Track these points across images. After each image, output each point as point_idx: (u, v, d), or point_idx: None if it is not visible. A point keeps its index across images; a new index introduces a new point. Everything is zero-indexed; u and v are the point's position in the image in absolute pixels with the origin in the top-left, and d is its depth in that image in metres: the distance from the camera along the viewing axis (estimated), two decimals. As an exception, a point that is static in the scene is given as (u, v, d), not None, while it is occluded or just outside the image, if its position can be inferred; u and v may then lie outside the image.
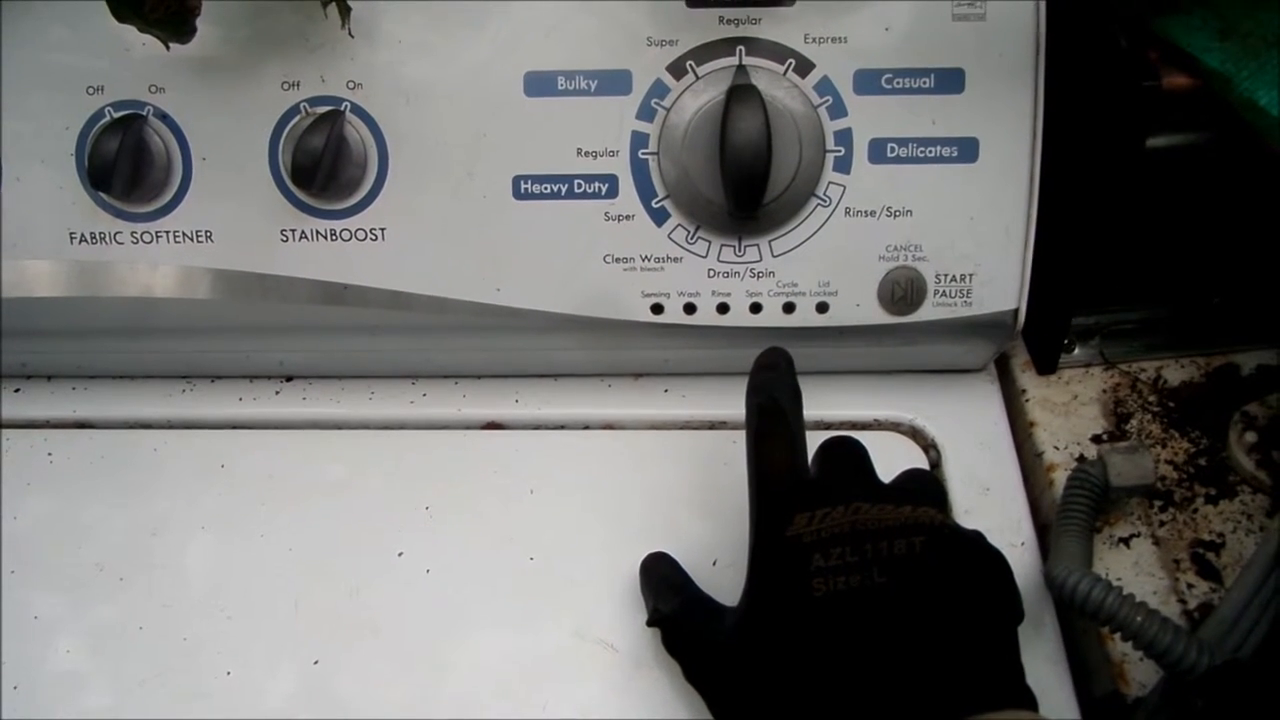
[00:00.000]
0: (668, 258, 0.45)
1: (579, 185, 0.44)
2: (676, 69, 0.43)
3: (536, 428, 0.49)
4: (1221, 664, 0.34)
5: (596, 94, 0.44)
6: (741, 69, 0.43)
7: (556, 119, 0.44)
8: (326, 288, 0.46)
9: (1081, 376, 0.49)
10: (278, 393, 0.51)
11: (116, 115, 0.45)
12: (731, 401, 0.41)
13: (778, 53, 0.43)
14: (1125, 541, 0.43)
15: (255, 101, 0.44)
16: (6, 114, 0.45)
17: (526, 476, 0.46)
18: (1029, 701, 0.32)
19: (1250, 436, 0.45)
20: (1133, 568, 0.42)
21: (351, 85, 0.44)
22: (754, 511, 0.36)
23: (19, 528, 0.46)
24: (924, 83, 0.43)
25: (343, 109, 0.44)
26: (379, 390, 0.51)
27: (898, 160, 0.43)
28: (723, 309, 0.46)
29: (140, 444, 0.49)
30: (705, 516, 0.44)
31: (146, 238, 0.46)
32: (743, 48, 0.43)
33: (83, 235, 0.46)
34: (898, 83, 0.43)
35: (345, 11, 0.41)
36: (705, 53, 0.43)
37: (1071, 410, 0.48)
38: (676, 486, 0.45)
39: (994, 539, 0.35)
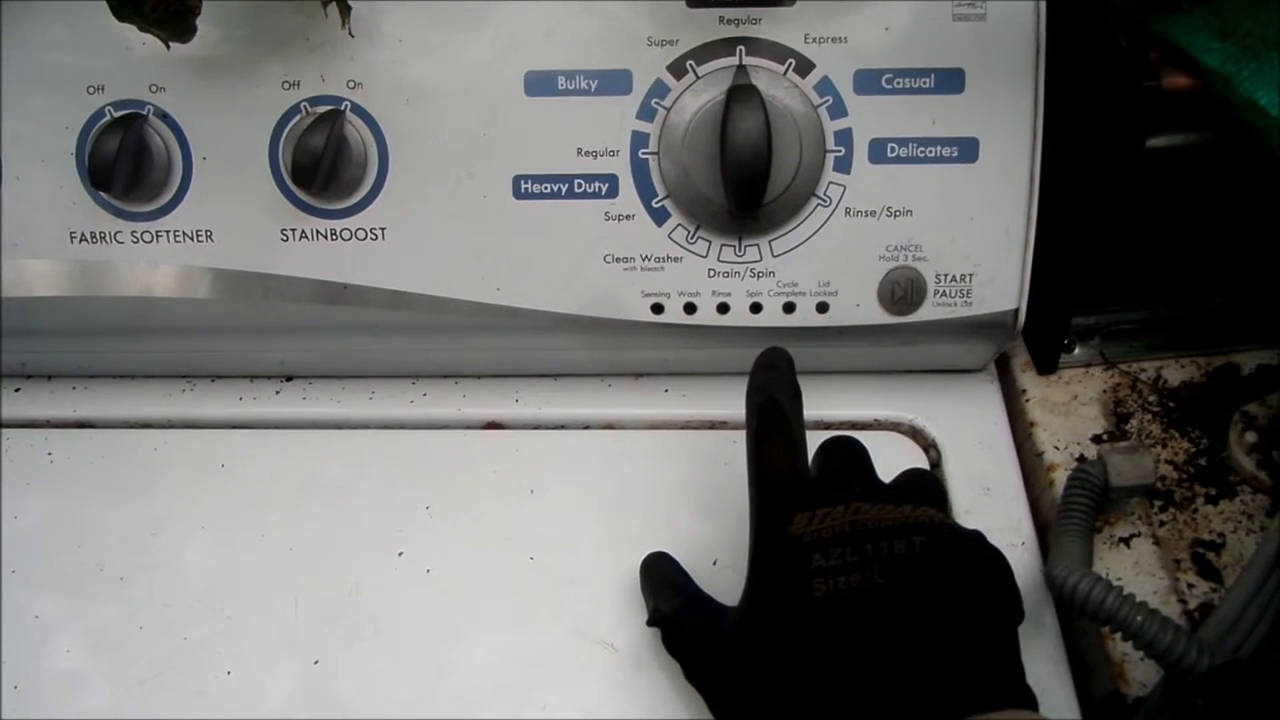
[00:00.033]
0: (668, 257, 0.45)
1: (579, 185, 0.44)
2: (677, 69, 0.43)
3: (536, 427, 0.49)
4: (1222, 664, 0.34)
5: (597, 94, 0.44)
6: (742, 69, 0.43)
7: (557, 119, 0.44)
8: (326, 287, 0.46)
9: (1081, 376, 0.49)
10: (278, 392, 0.51)
11: (117, 115, 0.45)
12: (731, 401, 0.41)
13: (778, 53, 0.43)
14: (1125, 541, 0.43)
15: (255, 101, 0.44)
16: (6, 114, 0.45)
17: (526, 476, 0.46)
18: (1029, 701, 0.32)
19: (1250, 436, 0.45)
20: (1133, 568, 0.42)
21: (352, 85, 0.44)
22: (754, 511, 0.36)
23: (19, 527, 0.46)
24: (924, 83, 0.43)
25: (343, 108, 0.44)
26: (379, 390, 0.51)
27: (898, 160, 0.43)
28: (723, 309, 0.46)
29: (140, 444, 0.49)
30: (705, 516, 0.44)
31: (146, 237, 0.46)
32: (743, 48, 0.43)
33: (83, 235, 0.46)
34: (898, 83, 0.43)
35: (345, 11, 0.41)
36: (705, 53, 0.43)
37: (1072, 410, 0.48)
38: (676, 486, 0.45)
39: (994, 539, 0.35)
